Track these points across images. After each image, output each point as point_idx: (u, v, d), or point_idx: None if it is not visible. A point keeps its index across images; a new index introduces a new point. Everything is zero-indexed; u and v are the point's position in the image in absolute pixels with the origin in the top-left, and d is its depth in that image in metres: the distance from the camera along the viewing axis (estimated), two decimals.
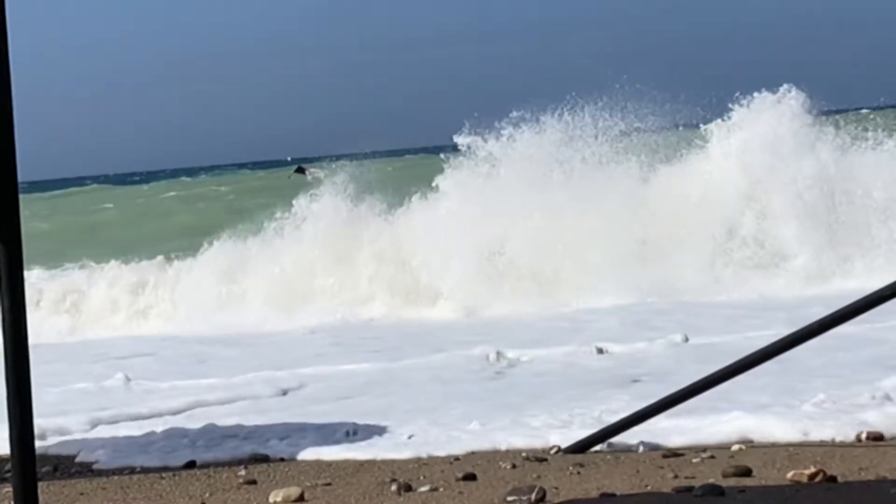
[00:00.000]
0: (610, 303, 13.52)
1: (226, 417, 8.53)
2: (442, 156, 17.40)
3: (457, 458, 6.75)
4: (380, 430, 7.68)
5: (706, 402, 6.86)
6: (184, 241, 21.13)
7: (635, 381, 9.05)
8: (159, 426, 8.31)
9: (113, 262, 18.55)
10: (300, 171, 59.74)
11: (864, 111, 21.93)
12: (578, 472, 6.19)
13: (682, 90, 16.47)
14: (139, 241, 25.06)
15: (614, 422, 6.75)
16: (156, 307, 17.02)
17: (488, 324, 13.28)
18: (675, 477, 5.98)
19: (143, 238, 25.90)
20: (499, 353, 10.57)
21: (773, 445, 6.55)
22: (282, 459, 7.11)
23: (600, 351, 10.46)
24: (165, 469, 7.07)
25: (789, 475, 5.84)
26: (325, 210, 16.88)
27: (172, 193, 44.50)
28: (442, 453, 6.89)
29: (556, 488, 5.90)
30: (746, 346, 7.21)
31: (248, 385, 9.97)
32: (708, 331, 11.21)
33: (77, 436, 8.21)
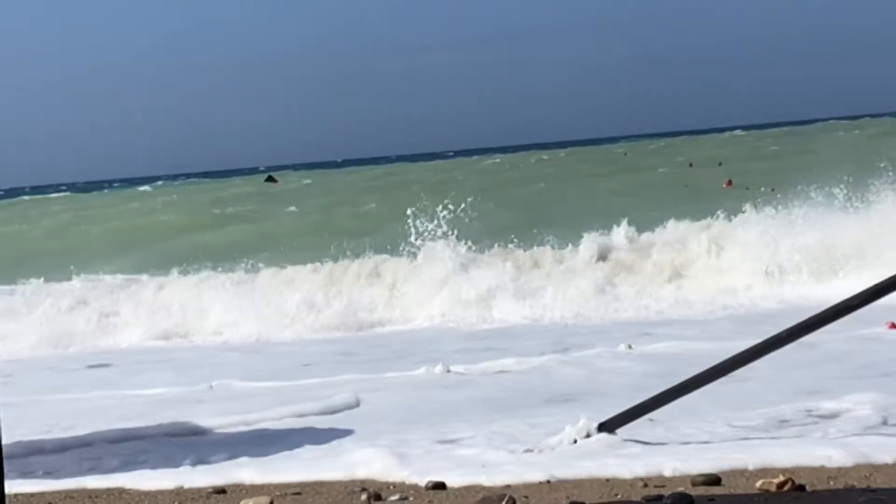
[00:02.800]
0: None
1: None
2: None
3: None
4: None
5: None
6: None
7: None
8: None
9: None
10: (270, 179, 62.26)
11: None
12: (548, 482, 6.18)
13: None
14: None
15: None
16: None
17: None
18: (645, 486, 5.97)
19: None
20: None
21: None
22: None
23: None
24: None
25: (758, 484, 5.84)
26: None
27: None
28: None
29: (526, 497, 5.90)
30: None
31: None
32: None
33: None
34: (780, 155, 45.69)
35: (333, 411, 8.88)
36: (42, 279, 18.79)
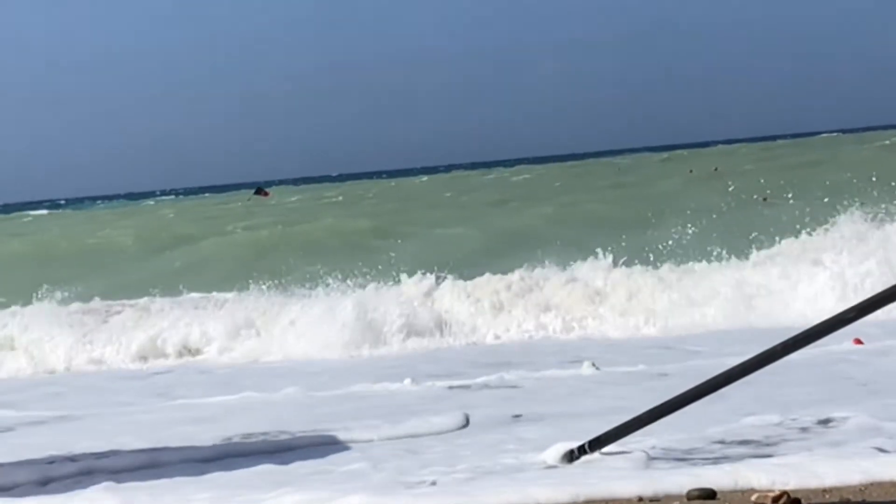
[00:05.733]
0: None
1: None
2: None
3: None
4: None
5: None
6: None
7: None
8: None
9: None
10: (259, 192, 61.61)
11: None
12: (540, 501, 6.14)
13: None
14: None
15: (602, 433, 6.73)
16: None
17: None
18: (640, 500, 5.96)
19: None
20: None
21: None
22: None
23: None
24: None
25: (753, 498, 5.83)
26: None
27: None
28: None
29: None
30: None
31: None
32: None
33: None
34: (787, 167, 45.75)
35: (441, 431, 8.47)
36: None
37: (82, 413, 10.71)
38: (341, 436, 8.33)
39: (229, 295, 17.00)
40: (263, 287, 16.38)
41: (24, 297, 18.15)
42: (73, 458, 8.06)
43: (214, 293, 17.68)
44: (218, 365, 14.07)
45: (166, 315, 15.94)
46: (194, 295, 18.57)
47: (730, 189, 25.56)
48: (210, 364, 14.18)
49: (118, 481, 7.23)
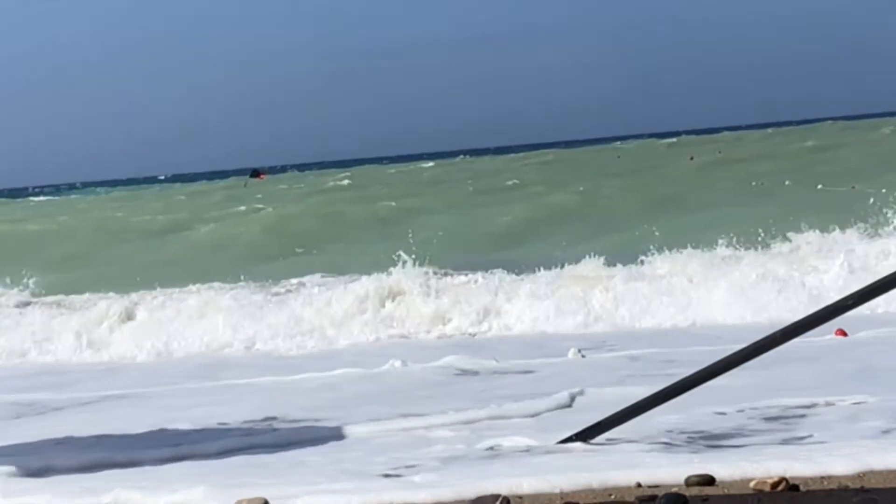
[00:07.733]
0: None
1: None
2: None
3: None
4: None
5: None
6: None
7: None
8: None
9: None
10: (255, 174, 61.22)
11: None
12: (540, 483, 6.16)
13: None
14: None
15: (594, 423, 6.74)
16: None
17: None
18: (639, 486, 5.98)
19: None
20: None
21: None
22: None
23: None
24: None
25: (752, 484, 5.86)
26: None
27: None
28: None
29: (521, 497, 5.90)
30: None
31: None
32: None
33: None
34: (790, 154, 45.70)
35: (545, 410, 8.38)
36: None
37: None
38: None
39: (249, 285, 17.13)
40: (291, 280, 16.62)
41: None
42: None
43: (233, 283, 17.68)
44: (235, 351, 14.14)
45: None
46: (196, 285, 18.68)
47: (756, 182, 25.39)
48: (232, 351, 14.20)
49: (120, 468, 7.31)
